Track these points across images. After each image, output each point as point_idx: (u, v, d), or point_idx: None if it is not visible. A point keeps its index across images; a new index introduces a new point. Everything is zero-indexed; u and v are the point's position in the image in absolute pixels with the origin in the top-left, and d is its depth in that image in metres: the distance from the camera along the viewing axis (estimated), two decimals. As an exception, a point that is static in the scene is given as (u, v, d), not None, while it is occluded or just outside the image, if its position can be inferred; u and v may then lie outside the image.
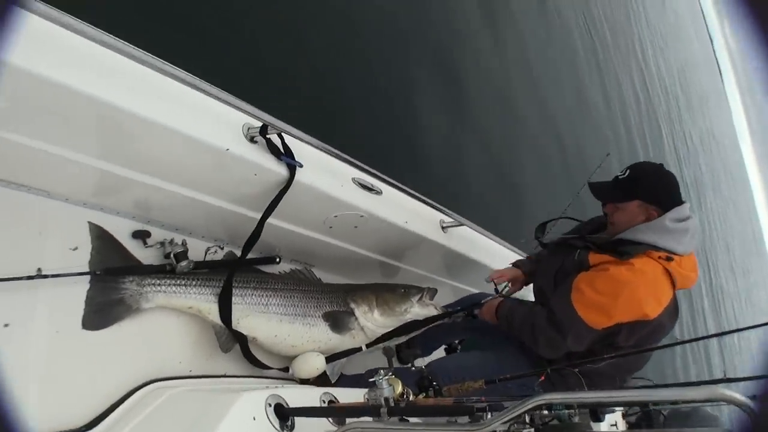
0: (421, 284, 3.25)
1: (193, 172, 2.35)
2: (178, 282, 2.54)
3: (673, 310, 2.71)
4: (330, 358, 2.90)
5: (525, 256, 3.69)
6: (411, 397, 1.97)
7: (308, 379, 2.91)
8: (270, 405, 1.97)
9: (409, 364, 3.30)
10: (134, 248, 2.53)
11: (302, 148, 2.54)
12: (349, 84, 5.28)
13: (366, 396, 1.90)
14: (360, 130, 5.09)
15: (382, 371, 1.92)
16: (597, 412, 1.53)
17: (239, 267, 2.71)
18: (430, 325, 3.12)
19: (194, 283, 2.58)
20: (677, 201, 2.73)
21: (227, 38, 4.24)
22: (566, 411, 1.46)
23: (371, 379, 1.93)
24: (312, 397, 2.16)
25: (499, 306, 3.06)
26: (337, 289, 3.06)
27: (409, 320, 3.07)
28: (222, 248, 2.88)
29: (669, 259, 2.62)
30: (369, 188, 2.94)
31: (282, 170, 2.45)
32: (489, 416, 1.56)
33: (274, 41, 4.59)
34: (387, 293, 3.07)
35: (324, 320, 2.91)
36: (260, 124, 2.33)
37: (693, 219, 2.74)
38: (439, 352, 3.78)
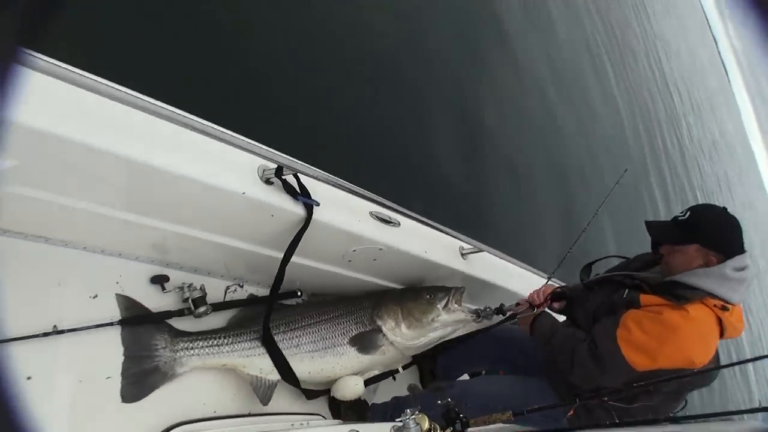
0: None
1: (210, 217, 2.36)
2: (211, 343, 2.56)
3: (715, 360, 2.63)
4: (368, 382, 2.92)
5: (549, 278, 3.61)
6: (440, 430, 1.96)
7: (345, 402, 2.96)
8: (295, 448, 1.96)
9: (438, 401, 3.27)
10: (153, 294, 2.54)
11: (318, 186, 2.54)
12: (359, 118, 5.31)
13: (395, 425, 1.89)
14: (374, 164, 5.09)
15: (408, 411, 1.91)
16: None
17: (269, 311, 2.72)
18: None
19: (226, 341, 2.60)
20: (739, 250, 2.63)
21: (235, 81, 4.29)
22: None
23: (398, 419, 1.92)
24: (340, 434, 2.15)
25: (538, 318, 3.02)
26: (363, 306, 3.00)
27: (437, 329, 2.99)
28: (242, 286, 2.88)
29: (724, 308, 2.55)
30: (387, 221, 2.93)
31: (299, 209, 2.44)
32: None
33: (282, 80, 4.62)
34: (411, 303, 2.99)
35: (351, 345, 2.88)
36: (275, 165, 2.33)
37: (751, 269, 2.63)
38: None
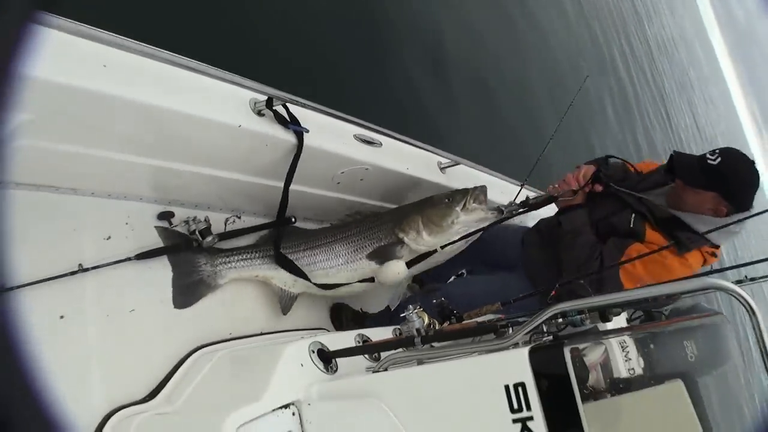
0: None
1: (209, 151, 2.50)
2: (244, 257, 2.85)
3: None
4: (410, 263, 2.95)
5: (522, 186, 3.64)
6: (437, 326, 2.18)
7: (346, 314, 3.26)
8: (313, 351, 2.17)
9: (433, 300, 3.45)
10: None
11: (305, 114, 2.68)
12: (337, 50, 5.43)
13: (396, 331, 2.10)
14: (353, 90, 5.23)
15: (410, 306, 2.12)
16: (605, 314, 1.73)
17: (279, 235, 2.95)
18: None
19: (257, 255, 2.88)
20: (749, 207, 2.69)
21: (219, 20, 4.36)
22: (579, 316, 1.67)
23: (402, 314, 2.13)
24: (347, 340, 2.35)
25: (573, 210, 3.00)
26: (383, 221, 3.07)
27: (460, 230, 2.97)
28: (240, 217, 3.04)
29: (714, 255, 2.73)
30: (370, 142, 3.09)
31: (290, 137, 2.59)
32: (511, 331, 1.77)
33: (265, 19, 4.71)
34: (430, 210, 3.00)
35: (370, 259, 2.98)
36: (265, 97, 2.46)
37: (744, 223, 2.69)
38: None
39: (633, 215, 2.85)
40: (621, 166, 3.28)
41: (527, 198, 3.17)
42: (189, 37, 3.62)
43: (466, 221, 2.96)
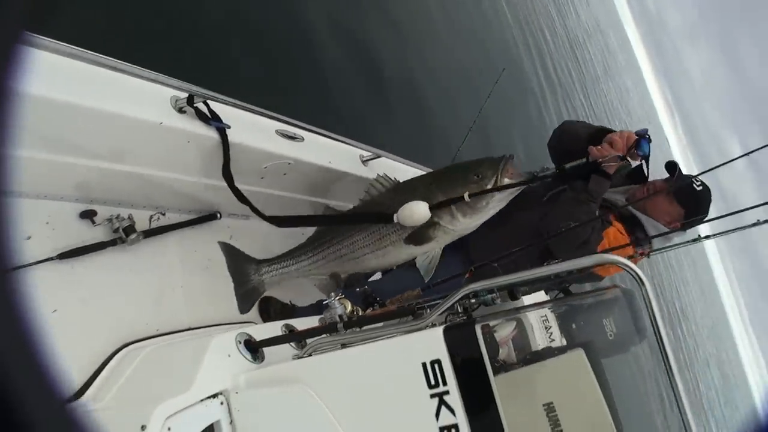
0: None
1: (131, 149, 2.51)
2: (282, 266, 3.16)
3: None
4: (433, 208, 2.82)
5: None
6: (360, 313, 2.27)
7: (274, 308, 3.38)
8: (240, 342, 2.22)
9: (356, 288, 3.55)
10: (84, 228, 2.69)
11: (227, 111, 2.72)
12: (257, 45, 5.43)
13: (322, 320, 2.18)
14: (274, 86, 5.24)
15: (333, 294, 2.20)
16: (513, 292, 1.86)
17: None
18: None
19: (293, 263, 3.16)
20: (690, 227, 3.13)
21: (139, 19, 4.31)
22: (489, 296, 1.79)
23: (324, 302, 2.22)
24: (273, 330, 2.40)
25: (604, 179, 2.91)
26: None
27: (494, 206, 2.84)
28: (164, 214, 3.05)
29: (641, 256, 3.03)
30: (292, 137, 3.15)
31: (212, 134, 2.63)
32: (428, 311, 1.88)
33: (181, 15, 4.67)
34: (461, 189, 2.81)
35: (407, 243, 2.94)
36: (186, 95, 2.49)
37: None
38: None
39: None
40: None
41: (564, 165, 2.89)
42: (109, 36, 3.60)
43: (500, 198, 2.83)
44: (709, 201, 3.11)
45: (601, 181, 2.90)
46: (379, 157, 3.85)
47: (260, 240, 3.40)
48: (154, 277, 2.93)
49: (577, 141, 3.02)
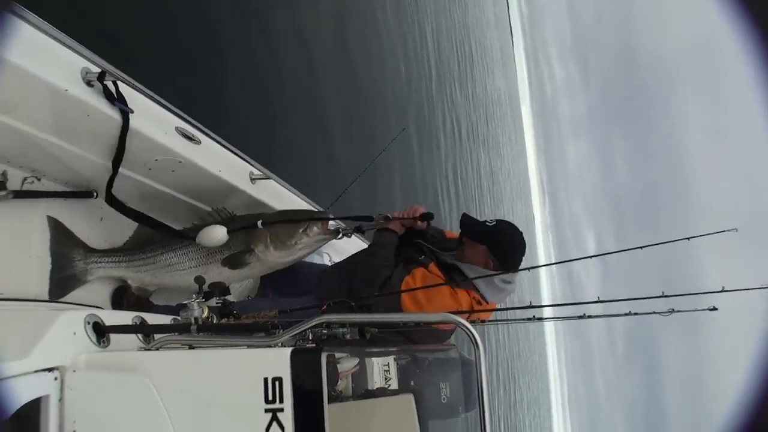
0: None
1: (24, 105, 2.44)
2: (113, 259, 3.22)
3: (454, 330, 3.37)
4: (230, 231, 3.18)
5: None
6: (215, 320, 2.34)
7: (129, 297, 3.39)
8: (89, 323, 2.19)
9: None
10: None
11: (133, 95, 2.73)
12: (178, 39, 5.42)
13: (175, 320, 2.23)
14: (188, 84, 5.22)
15: (194, 296, 2.26)
16: (363, 331, 2.01)
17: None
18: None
19: (123, 259, 3.25)
20: (512, 268, 3.36)
21: None
22: (341, 329, 1.93)
23: (184, 302, 2.26)
24: (125, 319, 2.39)
25: (387, 231, 3.61)
26: (238, 229, 3.28)
27: (302, 248, 3.35)
28: (39, 179, 2.97)
29: (479, 302, 3.28)
30: (190, 137, 3.18)
31: (114, 114, 2.63)
32: (281, 331, 1.98)
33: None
34: (279, 227, 3.31)
35: (223, 265, 3.28)
36: (98, 70, 2.50)
37: (514, 285, 3.41)
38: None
39: (423, 256, 3.48)
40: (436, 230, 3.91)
41: (360, 225, 3.58)
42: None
43: (308, 243, 3.34)
44: (511, 233, 3.42)
45: (383, 234, 3.62)
46: (268, 178, 3.93)
47: (129, 232, 3.37)
48: (12, 239, 2.83)
49: None
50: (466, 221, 3.52)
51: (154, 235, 3.28)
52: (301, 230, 3.31)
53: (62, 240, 3.04)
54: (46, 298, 2.90)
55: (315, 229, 3.33)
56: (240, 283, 3.45)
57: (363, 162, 4.64)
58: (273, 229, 3.30)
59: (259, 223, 3.19)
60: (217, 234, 3.11)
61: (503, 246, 3.39)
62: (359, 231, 3.55)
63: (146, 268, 3.29)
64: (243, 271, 3.33)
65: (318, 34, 9.29)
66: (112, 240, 3.34)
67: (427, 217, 3.60)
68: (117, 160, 2.82)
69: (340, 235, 3.44)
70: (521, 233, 3.46)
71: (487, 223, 3.41)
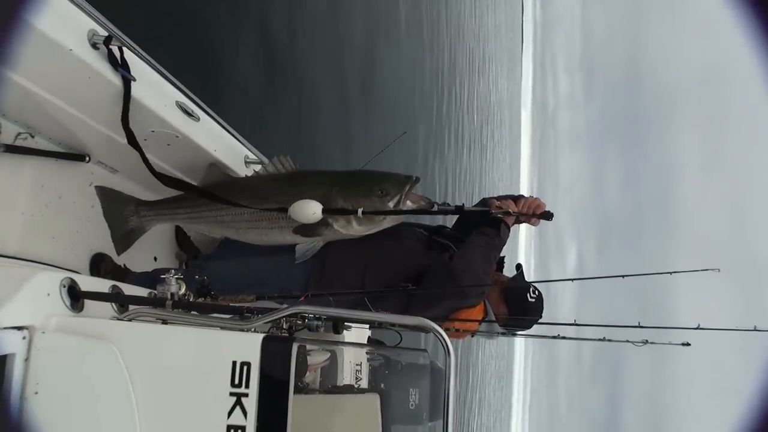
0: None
1: (27, 61, 2.41)
2: (164, 211, 3.26)
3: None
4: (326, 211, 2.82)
5: None
6: (192, 299, 2.32)
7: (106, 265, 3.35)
8: (64, 286, 2.18)
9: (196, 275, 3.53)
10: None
11: (138, 64, 2.72)
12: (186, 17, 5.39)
13: (152, 294, 2.21)
14: (191, 61, 5.19)
15: (173, 270, 2.24)
16: (337, 326, 2.00)
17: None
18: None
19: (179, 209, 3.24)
20: (515, 329, 3.38)
21: None
22: (315, 322, 1.92)
23: (162, 276, 2.24)
24: (101, 286, 2.38)
25: (504, 228, 3.20)
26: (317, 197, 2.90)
27: (389, 222, 2.95)
28: (33, 137, 2.95)
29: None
30: (189, 113, 3.17)
31: (115, 80, 2.62)
32: (256, 317, 1.97)
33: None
34: (363, 200, 2.88)
35: (296, 233, 2.96)
36: (105, 33, 2.48)
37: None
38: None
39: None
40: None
41: (462, 204, 3.07)
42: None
43: (396, 216, 2.95)
44: (538, 313, 3.29)
45: (506, 231, 3.21)
46: (262, 164, 3.91)
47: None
48: (-2, 192, 2.82)
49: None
50: (518, 283, 3.38)
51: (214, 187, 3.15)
52: (392, 203, 2.90)
53: (113, 203, 3.21)
54: (25, 256, 2.88)
55: (408, 203, 2.93)
56: (306, 245, 3.08)
57: (363, 162, 4.62)
58: (358, 201, 2.89)
59: (359, 212, 2.81)
60: (313, 210, 2.76)
61: (524, 314, 3.29)
62: (461, 212, 3.03)
63: (195, 220, 3.21)
64: (314, 239, 3.02)
65: (335, 27, 9.27)
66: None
67: (547, 216, 3.14)
68: (126, 123, 2.78)
69: (434, 209, 2.97)
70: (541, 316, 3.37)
71: (529, 295, 3.25)
